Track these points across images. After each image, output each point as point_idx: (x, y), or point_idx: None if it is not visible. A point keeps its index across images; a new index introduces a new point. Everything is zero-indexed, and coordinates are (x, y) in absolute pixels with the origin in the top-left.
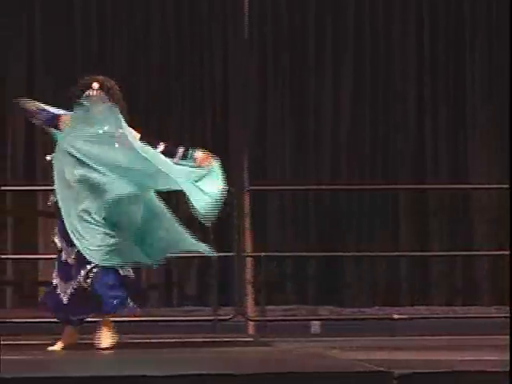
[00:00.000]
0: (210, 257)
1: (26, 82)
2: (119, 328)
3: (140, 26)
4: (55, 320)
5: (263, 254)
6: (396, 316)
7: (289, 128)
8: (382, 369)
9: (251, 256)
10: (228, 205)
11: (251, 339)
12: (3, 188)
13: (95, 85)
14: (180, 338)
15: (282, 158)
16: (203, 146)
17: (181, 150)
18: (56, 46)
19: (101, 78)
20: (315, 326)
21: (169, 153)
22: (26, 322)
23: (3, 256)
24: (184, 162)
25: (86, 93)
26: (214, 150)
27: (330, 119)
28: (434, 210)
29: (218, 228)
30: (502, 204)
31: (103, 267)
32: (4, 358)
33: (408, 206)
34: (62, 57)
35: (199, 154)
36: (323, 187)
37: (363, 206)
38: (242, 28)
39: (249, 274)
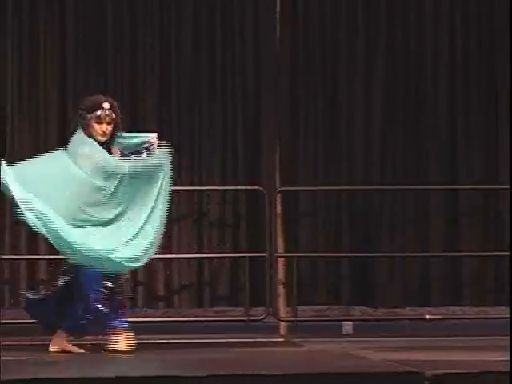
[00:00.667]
0: (241, 257)
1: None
2: (151, 328)
3: (172, 27)
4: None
5: (295, 254)
6: (428, 316)
7: (320, 128)
8: (413, 369)
9: (283, 256)
10: (260, 205)
11: (283, 340)
12: None
13: (106, 105)
14: (211, 339)
15: (314, 159)
16: (234, 148)
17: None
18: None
19: (107, 97)
20: (347, 327)
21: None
22: None
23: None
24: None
25: (98, 113)
26: (246, 150)
27: (361, 119)
28: (466, 210)
29: (250, 228)
30: None
31: None
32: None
33: (439, 207)
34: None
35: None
36: (355, 188)
37: (395, 207)
38: (274, 34)
39: (280, 275)
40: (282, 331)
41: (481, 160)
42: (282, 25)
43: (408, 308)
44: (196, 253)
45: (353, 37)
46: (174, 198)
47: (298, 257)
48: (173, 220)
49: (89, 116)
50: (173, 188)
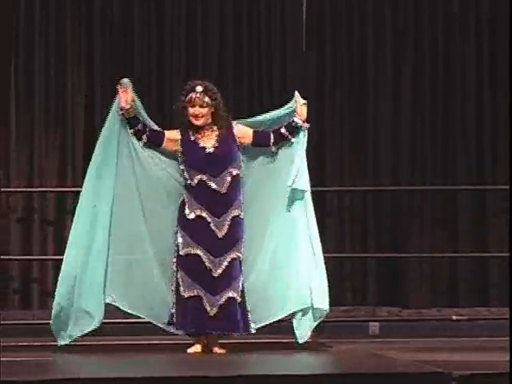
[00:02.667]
0: None
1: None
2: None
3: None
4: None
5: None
6: (455, 317)
7: (347, 128)
8: (440, 370)
9: None
10: None
11: (310, 340)
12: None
13: (199, 88)
14: (239, 339)
15: (341, 159)
16: None
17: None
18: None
19: (205, 81)
20: (374, 327)
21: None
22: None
23: None
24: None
25: (189, 96)
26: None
27: (389, 118)
28: (495, 210)
29: None
30: None
31: None
32: None
33: (468, 207)
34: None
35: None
36: (382, 188)
37: (423, 207)
38: (301, 34)
39: None
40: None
41: (508, 161)
42: (308, 25)
43: (435, 308)
44: None
45: (381, 36)
46: None
47: (324, 257)
48: None
49: (184, 99)
50: None
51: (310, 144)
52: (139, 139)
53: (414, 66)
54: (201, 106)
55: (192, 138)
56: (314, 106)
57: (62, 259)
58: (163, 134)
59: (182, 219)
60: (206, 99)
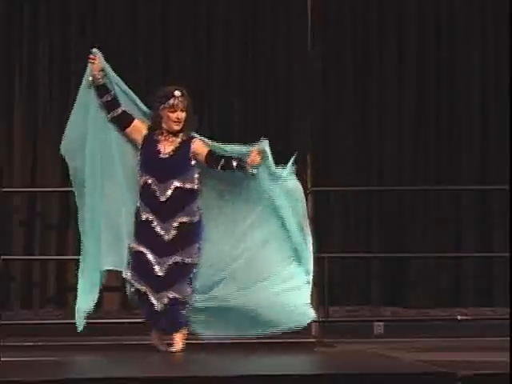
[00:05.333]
0: None
1: None
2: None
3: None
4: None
5: (326, 254)
6: (459, 317)
7: (352, 129)
8: (445, 370)
9: (314, 257)
10: None
11: (314, 340)
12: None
13: (178, 92)
14: (243, 339)
15: (345, 159)
16: None
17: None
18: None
19: (180, 87)
20: (378, 327)
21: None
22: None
23: None
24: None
25: (170, 102)
26: (277, 150)
27: (392, 119)
28: (498, 210)
29: None
30: None
31: None
32: None
33: (471, 207)
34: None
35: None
36: (386, 188)
37: (426, 207)
38: (306, 37)
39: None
40: (314, 332)
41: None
42: (313, 26)
43: (439, 308)
44: None
45: (384, 39)
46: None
47: (329, 257)
48: None
49: (162, 106)
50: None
51: (314, 144)
52: (108, 112)
53: (418, 66)
54: (182, 111)
55: (155, 137)
56: (319, 108)
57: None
58: (133, 119)
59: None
60: (186, 103)
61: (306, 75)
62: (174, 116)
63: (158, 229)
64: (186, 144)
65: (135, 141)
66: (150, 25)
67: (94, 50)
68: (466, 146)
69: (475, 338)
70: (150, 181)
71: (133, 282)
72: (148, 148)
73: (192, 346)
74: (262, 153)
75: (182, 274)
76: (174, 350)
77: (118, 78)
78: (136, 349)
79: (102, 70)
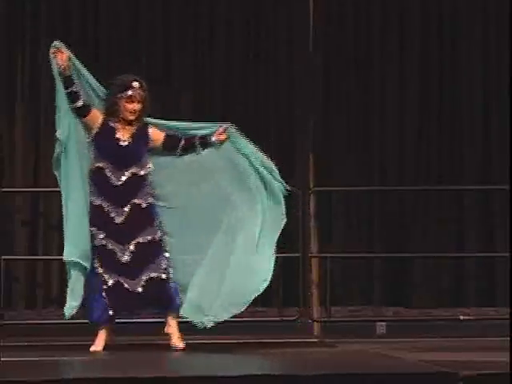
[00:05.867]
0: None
1: None
2: (186, 329)
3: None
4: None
5: (328, 254)
6: (461, 317)
7: (353, 128)
8: (447, 370)
9: (316, 257)
10: (293, 205)
11: (316, 340)
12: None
13: (136, 84)
14: (245, 339)
15: (347, 159)
16: (267, 147)
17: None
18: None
19: (136, 76)
20: (381, 327)
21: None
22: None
23: None
24: None
25: (127, 92)
26: (279, 150)
27: (395, 119)
28: (500, 210)
29: (284, 228)
30: None
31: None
32: None
33: (473, 207)
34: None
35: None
36: (388, 188)
37: (428, 207)
38: (308, 34)
39: (314, 275)
40: (316, 332)
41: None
42: (315, 25)
43: (441, 308)
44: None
45: (386, 37)
46: None
47: (331, 257)
48: None
49: (119, 95)
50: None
51: (316, 144)
52: (70, 102)
53: (421, 65)
54: (138, 102)
55: (111, 125)
56: (321, 108)
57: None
58: (91, 109)
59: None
60: (143, 94)
61: (308, 74)
62: (130, 107)
63: (112, 214)
64: (142, 131)
65: (91, 128)
66: (151, 24)
67: (56, 43)
68: (468, 145)
69: (477, 338)
70: (103, 166)
71: (105, 276)
72: (105, 135)
73: (191, 346)
74: (228, 130)
75: (149, 253)
76: (179, 346)
77: (81, 67)
78: (137, 349)
79: (70, 58)
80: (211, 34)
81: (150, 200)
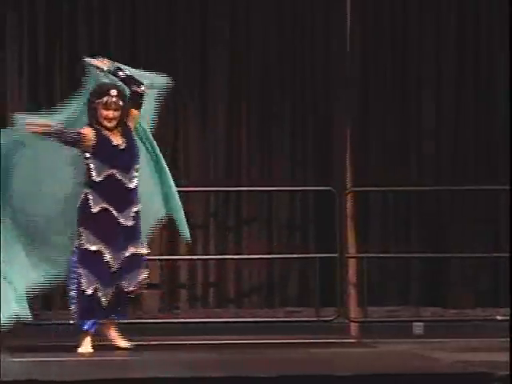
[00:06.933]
0: (312, 258)
1: None
2: (221, 329)
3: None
4: None
5: (365, 255)
6: (499, 317)
7: (390, 129)
8: (484, 370)
9: (353, 257)
10: (330, 206)
11: (353, 340)
12: None
13: (114, 91)
14: (281, 339)
15: (384, 159)
16: (305, 148)
17: None
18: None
19: (116, 84)
20: (418, 328)
21: None
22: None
23: None
24: None
25: (103, 99)
26: (316, 150)
27: (432, 119)
28: None
29: (320, 229)
30: None
31: None
32: None
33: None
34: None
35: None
36: (424, 188)
37: (465, 207)
38: (345, 34)
39: (351, 275)
40: (353, 332)
41: None
42: (352, 24)
43: (479, 308)
44: (267, 253)
45: (423, 35)
46: (245, 198)
47: (368, 257)
48: (243, 221)
49: (96, 101)
50: (243, 188)
51: (353, 145)
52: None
53: (459, 63)
54: (115, 110)
55: (103, 133)
56: (358, 108)
57: None
58: (79, 135)
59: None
60: (120, 103)
61: (344, 75)
62: (105, 113)
63: (120, 219)
64: (128, 133)
65: (85, 148)
66: (185, 29)
67: (26, 120)
68: (504, 147)
69: None
70: (114, 172)
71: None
72: (103, 143)
73: (224, 346)
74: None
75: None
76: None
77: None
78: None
79: (47, 125)
80: (248, 30)
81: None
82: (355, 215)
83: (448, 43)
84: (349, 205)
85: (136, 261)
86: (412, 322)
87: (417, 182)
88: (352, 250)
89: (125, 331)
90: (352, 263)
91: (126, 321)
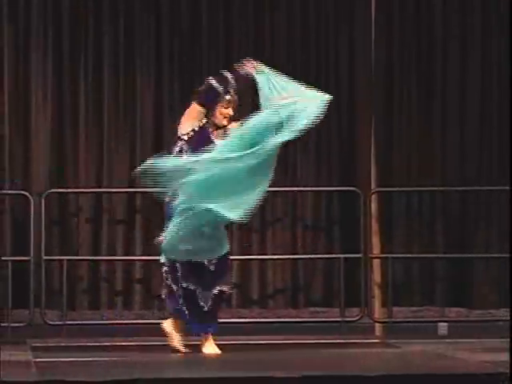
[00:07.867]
0: (336, 258)
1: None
2: (246, 329)
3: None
4: None
5: (390, 255)
6: None
7: (415, 129)
8: (508, 371)
9: (378, 257)
10: (355, 206)
11: (378, 340)
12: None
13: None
14: (306, 340)
15: (408, 159)
16: (329, 149)
17: None
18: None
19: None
20: (442, 328)
21: None
22: None
23: None
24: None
25: (227, 96)
26: (341, 151)
27: (456, 119)
28: None
29: (345, 229)
30: None
31: None
32: None
33: None
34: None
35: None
36: (449, 188)
37: (490, 207)
38: (370, 39)
39: (375, 276)
40: (378, 332)
41: None
42: (376, 30)
43: (503, 309)
44: (291, 254)
45: (447, 38)
46: (269, 199)
47: (392, 258)
48: (268, 222)
49: (221, 97)
50: (267, 189)
51: (377, 145)
52: None
53: (483, 61)
54: (233, 108)
55: (206, 127)
56: (382, 108)
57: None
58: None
59: None
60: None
61: (369, 76)
62: (226, 111)
63: None
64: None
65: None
66: (214, 11)
67: None
68: None
69: None
70: None
71: None
72: (200, 135)
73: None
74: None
75: None
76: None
77: None
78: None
79: None
80: (271, 20)
81: None
82: (379, 215)
83: (474, 44)
84: (373, 205)
85: None
86: (437, 322)
87: (441, 182)
88: (376, 250)
89: (148, 331)
90: (376, 263)
91: (149, 321)
